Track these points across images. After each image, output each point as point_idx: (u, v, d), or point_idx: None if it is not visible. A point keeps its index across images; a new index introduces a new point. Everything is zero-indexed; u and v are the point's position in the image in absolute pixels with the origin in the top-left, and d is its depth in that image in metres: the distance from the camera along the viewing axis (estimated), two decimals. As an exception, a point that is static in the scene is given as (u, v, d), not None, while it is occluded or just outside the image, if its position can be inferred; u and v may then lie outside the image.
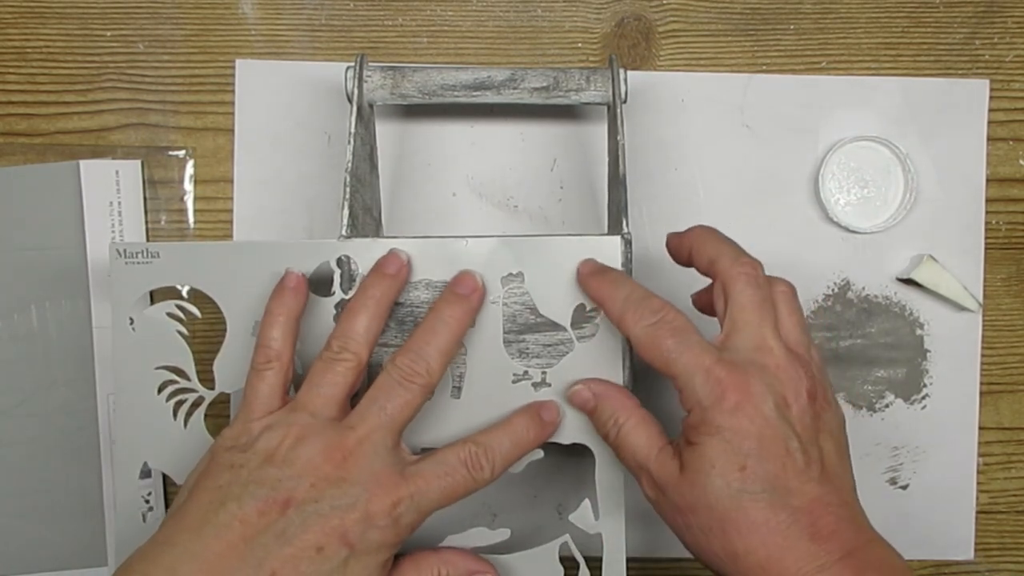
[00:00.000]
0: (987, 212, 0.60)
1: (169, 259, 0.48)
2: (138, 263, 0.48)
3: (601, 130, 0.60)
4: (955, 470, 0.60)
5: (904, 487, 0.60)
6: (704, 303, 0.51)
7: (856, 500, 0.43)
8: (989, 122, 0.60)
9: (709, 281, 0.51)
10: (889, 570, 0.40)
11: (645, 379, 0.58)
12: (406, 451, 0.45)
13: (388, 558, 0.43)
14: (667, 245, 0.49)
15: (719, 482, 0.40)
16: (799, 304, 0.46)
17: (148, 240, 0.58)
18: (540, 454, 0.48)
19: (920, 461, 0.60)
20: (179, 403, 0.48)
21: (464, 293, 0.46)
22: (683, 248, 0.47)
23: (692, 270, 0.46)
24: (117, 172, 0.58)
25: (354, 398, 0.45)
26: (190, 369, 0.48)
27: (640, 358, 0.43)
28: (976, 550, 0.60)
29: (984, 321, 0.60)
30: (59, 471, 0.57)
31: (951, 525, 0.60)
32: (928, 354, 0.60)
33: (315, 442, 0.42)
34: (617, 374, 0.48)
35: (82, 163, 0.58)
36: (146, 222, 0.58)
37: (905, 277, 0.59)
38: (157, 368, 0.48)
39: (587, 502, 0.48)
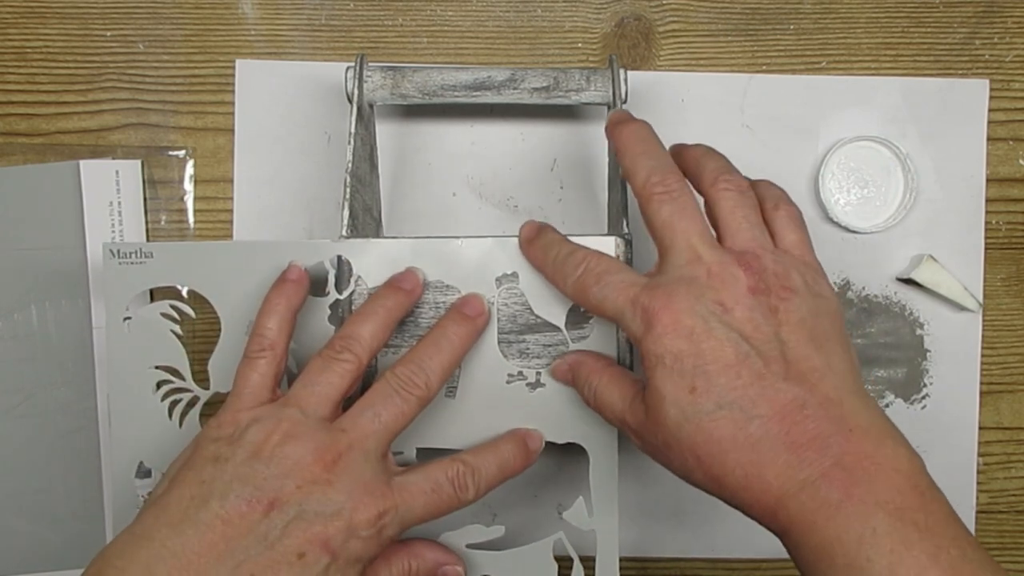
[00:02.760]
0: (987, 212, 0.60)
1: (163, 259, 0.48)
2: (132, 263, 0.48)
3: (601, 130, 0.59)
4: (955, 470, 0.60)
5: (904, 487, 0.60)
6: None
7: (849, 395, 0.38)
8: (989, 122, 0.60)
9: None
10: (891, 473, 0.36)
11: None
12: (392, 461, 0.44)
13: (365, 566, 0.42)
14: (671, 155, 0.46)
15: (673, 411, 0.38)
16: (802, 222, 0.44)
17: (148, 240, 0.58)
18: None
19: (920, 461, 0.60)
20: (174, 403, 0.48)
21: (470, 315, 0.46)
22: (679, 161, 0.45)
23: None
24: (117, 172, 0.58)
25: (346, 404, 0.45)
26: (185, 369, 0.48)
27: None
28: (976, 551, 0.60)
29: (984, 321, 0.60)
30: (59, 471, 0.57)
31: (951, 525, 0.60)
32: (928, 354, 0.60)
33: (305, 442, 0.41)
34: None
35: (82, 163, 0.58)
36: (146, 222, 0.59)
37: (905, 277, 0.59)
38: (152, 368, 0.48)
39: (581, 500, 0.48)
